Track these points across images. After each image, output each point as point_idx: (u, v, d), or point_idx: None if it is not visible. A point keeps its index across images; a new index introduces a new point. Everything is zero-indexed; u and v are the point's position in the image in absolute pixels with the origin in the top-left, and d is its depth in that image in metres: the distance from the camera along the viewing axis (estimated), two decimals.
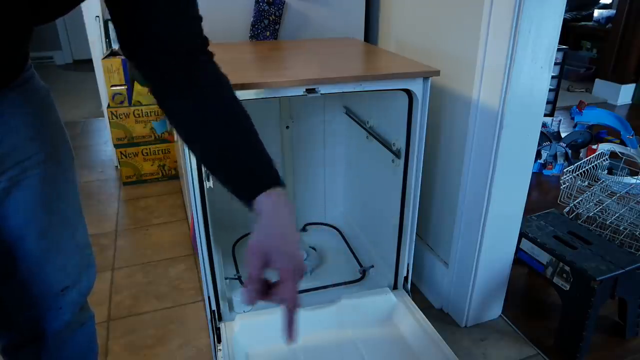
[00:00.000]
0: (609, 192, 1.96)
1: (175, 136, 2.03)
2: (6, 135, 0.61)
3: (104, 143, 2.87)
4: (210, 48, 0.68)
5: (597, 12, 4.42)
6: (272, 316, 1.26)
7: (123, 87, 2.15)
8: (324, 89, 1.05)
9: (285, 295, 0.60)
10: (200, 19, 0.64)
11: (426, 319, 1.24)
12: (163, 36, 0.62)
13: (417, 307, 1.29)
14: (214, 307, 1.21)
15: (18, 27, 0.56)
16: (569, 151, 2.47)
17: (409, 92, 1.13)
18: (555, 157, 2.46)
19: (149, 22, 0.60)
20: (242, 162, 0.65)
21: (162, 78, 0.65)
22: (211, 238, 1.13)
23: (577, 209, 1.87)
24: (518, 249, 1.40)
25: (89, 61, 2.35)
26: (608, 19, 4.23)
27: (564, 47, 2.86)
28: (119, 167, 2.35)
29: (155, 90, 0.67)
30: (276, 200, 0.62)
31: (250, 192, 0.62)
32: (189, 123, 0.66)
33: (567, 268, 1.28)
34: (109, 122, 2.20)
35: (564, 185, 1.96)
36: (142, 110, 2.20)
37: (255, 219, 0.61)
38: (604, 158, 2.07)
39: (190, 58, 0.64)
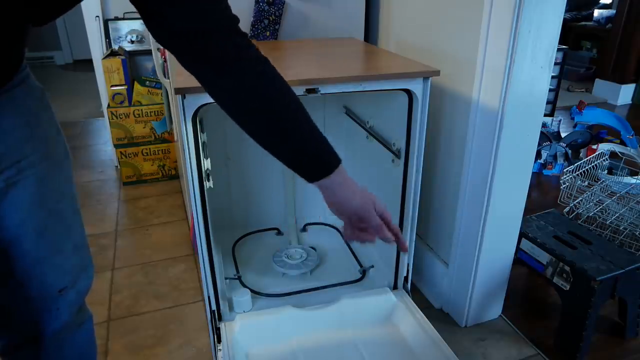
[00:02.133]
0: (609, 192, 1.96)
1: (176, 136, 2.03)
2: (2, 136, 0.61)
3: (104, 143, 2.87)
4: None
5: (597, 12, 4.42)
6: (272, 316, 1.26)
7: (123, 87, 2.15)
8: (324, 89, 1.05)
9: (393, 230, 0.77)
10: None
11: (426, 319, 1.24)
12: (192, 18, 0.61)
13: (417, 307, 1.29)
14: (214, 307, 1.21)
15: (13, 28, 0.56)
16: (569, 151, 2.47)
17: (409, 92, 1.13)
18: (555, 157, 2.46)
19: (171, 8, 0.60)
20: (309, 148, 0.70)
21: (198, 61, 0.64)
22: (211, 238, 1.13)
23: (577, 209, 1.87)
24: (518, 249, 1.40)
25: (89, 61, 2.35)
26: (608, 19, 4.23)
27: (564, 47, 2.86)
28: (119, 167, 2.35)
29: (198, 76, 0.66)
30: (345, 172, 0.74)
31: (321, 174, 0.72)
32: (244, 106, 0.67)
33: (567, 268, 1.28)
34: (109, 122, 2.20)
35: (564, 185, 1.96)
36: (142, 110, 2.20)
37: (323, 192, 0.74)
38: (604, 158, 2.07)
39: (223, 38, 0.63)
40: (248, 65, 0.66)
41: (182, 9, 0.60)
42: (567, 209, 1.88)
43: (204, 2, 0.61)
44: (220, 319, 1.23)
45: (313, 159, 0.71)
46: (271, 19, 1.56)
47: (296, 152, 0.70)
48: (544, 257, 1.35)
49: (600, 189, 1.95)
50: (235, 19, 0.65)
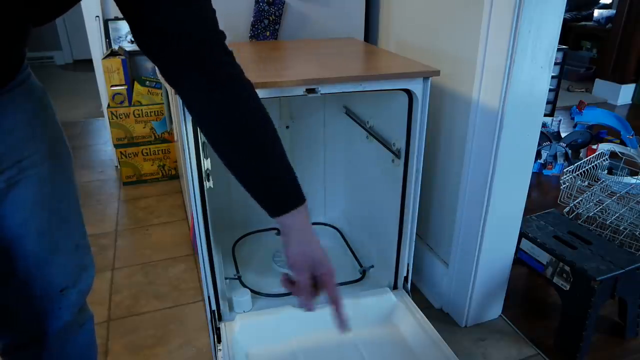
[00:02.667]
0: (609, 192, 1.96)
1: (176, 136, 2.03)
2: (2, 136, 0.61)
3: (104, 143, 2.87)
4: None
5: (597, 12, 4.42)
6: (272, 316, 1.26)
7: (123, 87, 2.15)
8: (324, 89, 1.05)
9: (332, 294, 0.75)
10: (213, 11, 0.64)
11: (426, 319, 1.24)
12: (174, 29, 0.61)
13: (417, 307, 1.29)
14: (214, 307, 1.21)
15: (13, 28, 0.56)
16: (569, 151, 2.47)
17: (409, 92, 1.13)
18: (555, 157, 2.46)
19: (157, 16, 0.60)
20: (271, 181, 0.69)
21: (177, 72, 0.65)
22: (211, 238, 1.13)
23: (577, 209, 1.87)
24: (518, 249, 1.40)
25: (89, 61, 2.35)
26: (608, 19, 4.23)
27: (564, 47, 2.86)
28: (119, 167, 2.36)
29: (175, 87, 0.66)
30: (304, 216, 0.70)
31: (279, 210, 0.69)
32: (210, 124, 0.67)
33: (567, 268, 1.28)
34: (109, 122, 2.20)
35: (564, 185, 1.96)
36: (142, 110, 2.20)
37: (284, 231, 0.71)
38: (604, 158, 2.07)
39: (204, 51, 0.63)
40: (235, 83, 0.66)
41: (174, 16, 0.60)
42: (567, 209, 1.88)
43: (197, 11, 0.62)
44: (220, 319, 1.23)
45: (283, 191, 0.69)
46: (271, 19, 1.56)
47: (267, 181, 0.69)
48: (544, 257, 1.35)
49: (600, 189, 1.95)
50: (223, 35, 0.66)
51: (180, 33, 0.61)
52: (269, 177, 0.69)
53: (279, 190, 0.69)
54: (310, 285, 0.72)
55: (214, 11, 0.64)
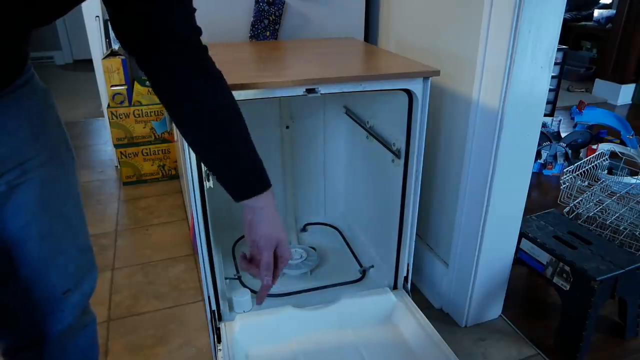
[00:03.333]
0: (609, 192, 1.96)
1: (176, 136, 2.03)
2: (5, 138, 0.61)
3: (104, 143, 2.87)
4: (210, 48, 0.68)
5: (597, 12, 4.42)
6: (272, 316, 1.26)
7: (123, 87, 2.15)
8: (324, 89, 1.05)
9: (277, 274, 0.80)
10: (194, 11, 0.66)
11: (426, 319, 1.24)
12: (158, 29, 0.63)
13: (417, 307, 1.29)
14: (214, 307, 1.21)
15: (14, 29, 0.56)
16: (569, 151, 2.47)
17: (409, 92, 1.13)
18: (555, 157, 2.46)
19: (144, 16, 0.62)
20: (240, 167, 0.73)
21: (160, 72, 0.67)
22: (211, 238, 1.13)
23: (577, 209, 1.87)
24: (518, 249, 1.40)
25: (89, 61, 2.35)
26: (608, 19, 4.23)
27: (564, 47, 2.86)
28: (119, 167, 2.35)
29: (154, 85, 0.68)
30: (270, 199, 0.75)
31: (245, 194, 0.74)
32: (187, 119, 0.69)
33: (567, 268, 1.28)
34: (109, 122, 2.20)
35: (564, 185, 1.96)
36: (142, 110, 2.20)
37: (253, 212, 0.75)
38: (604, 158, 2.07)
39: (187, 51, 0.66)
40: (211, 75, 0.69)
41: (157, 13, 0.62)
42: (567, 209, 1.88)
43: (179, 8, 0.64)
44: (220, 319, 1.23)
45: (249, 176, 0.73)
46: (271, 19, 1.56)
47: (234, 167, 0.72)
48: (544, 257, 1.35)
49: (600, 189, 1.95)
50: (200, 31, 0.68)
51: (162, 29, 0.63)
52: (246, 168, 0.73)
53: (253, 176, 0.74)
54: (272, 263, 0.78)
55: (193, 9, 0.66)
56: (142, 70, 0.68)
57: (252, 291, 1.35)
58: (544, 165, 2.46)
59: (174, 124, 0.76)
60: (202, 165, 1.07)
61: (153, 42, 0.64)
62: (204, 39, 0.68)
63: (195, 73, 0.67)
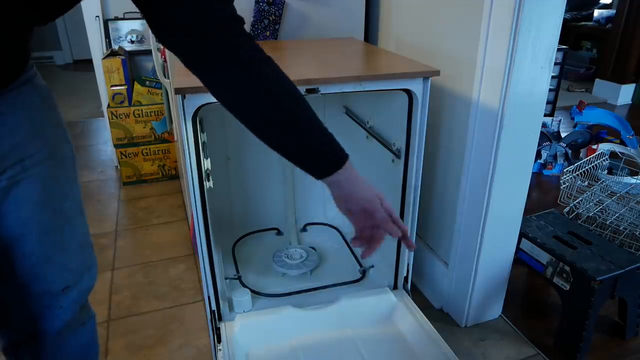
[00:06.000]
0: (609, 192, 1.96)
1: (176, 136, 2.03)
2: (6, 135, 0.61)
3: (104, 143, 2.87)
4: None
5: (597, 12, 4.42)
6: (272, 316, 1.26)
7: (123, 87, 2.15)
8: (324, 89, 1.05)
9: (404, 228, 0.77)
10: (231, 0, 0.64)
11: (426, 319, 1.24)
12: (193, 19, 0.60)
13: (417, 307, 1.29)
14: (214, 307, 1.21)
15: (15, 28, 0.56)
16: (569, 151, 2.47)
17: (409, 92, 1.13)
18: (555, 157, 2.46)
19: (175, 10, 0.60)
20: (317, 145, 0.70)
21: (203, 60, 0.64)
22: (211, 238, 1.13)
23: (577, 209, 1.87)
24: (518, 249, 1.40)
25: (89, 61, 2.35)
26: (608, 19, 4.23)
27: (564, 47, 2.86)
28: (119, 167, 2.36)
29: (201, 76, 0.66)
30: (351, 168, 0.72)
31: (330, 170, 0.71)
32: (247, 112, 0.67)
33: (567, 268, 1.28)
34: (109, 122, 2.20)
35: (564, 185, 1.96)
36: (142, 110, 2.20)
37: (335, 188, 0.73)
38: (604, 158, 2.07)
39: (225, 38, 0.63)
40: (254, 64, 0.65)
41: (188, 8, 0.60)
42: (567, 209, 1.88)
43: (210, 1, 0.61)
44: (220, 319, 1.23)
45: (322, 156, 0.71)
46: (271, 19, 1.56)
47: (305, 150, 0.70)
48: (544, 257, 1.35)
49: (600, 189, 1.95)
50: (241, 20, 0.65)
51: (198, 25, 0.61)
52: (305, 147, 0.70)
53: (318, 156, 0.71)
54: (364, 226, 0.78)
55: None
56: (188, 67, 0.65)
57: (252, 291, 1.35)
58: (544, 165, 2.46)
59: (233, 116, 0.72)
60: (203, 165, 1.07)
61: (193, 41, 0.62)
62: None
63: (244, 64, 0.64)
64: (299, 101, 0.68)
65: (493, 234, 1.28)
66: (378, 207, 0.74)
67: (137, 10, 0.62)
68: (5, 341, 0.75)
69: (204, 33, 0.61)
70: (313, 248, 1.58)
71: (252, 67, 0.65)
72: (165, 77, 1.73)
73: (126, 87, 2.15)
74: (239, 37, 0.64)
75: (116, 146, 2.26)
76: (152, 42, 1.81)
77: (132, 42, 2.24)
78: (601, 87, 3.83)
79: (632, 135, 2.48)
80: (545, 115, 2.58)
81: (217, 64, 0.64)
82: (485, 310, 1.43)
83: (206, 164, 1.09)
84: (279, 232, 1.70)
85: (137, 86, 2.17)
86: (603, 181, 2.02)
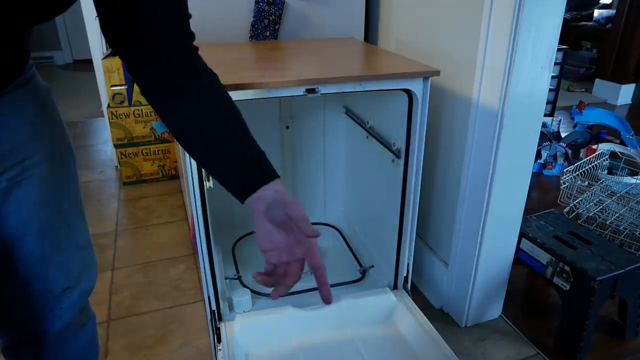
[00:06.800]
0: (609, 192, 1.96)
1: None
2: (6, 136, 0.61)
3: (104, 143, 2.87)
4: (210, 48, 0.67)
5: (597, 12, 4.42)
6: (272, 316, 1.26)
7: (123, 87, 2.15)
8: (324, 89, 1.05)
9: (316, 261, 0.67)
10: (188, 17, 0.64)
11: (426, 319, 1.24)
12: (149, 32, 0.61)
13: (417, 307, 1.29)
14: (214, 307, 1.21)
15: (15, 28, 0.56)
16: (569, 151, 2.47)
17: (409, 92, 1.13)
18: (555, 157, 2.46)
19: (134, 19, 0.60)
20: (243, 164, 0.66)
21: (152, 76, 0.64)
22: (211, 238, 1.13)
23: (577, 209, 1.87)
24: (518, 249, 1.40)
25: (89, 61, 2.35)
26: (608, 19, 4.23)
27: (564, 47, 2.86)
28: (119, 167, 2.35)
29: (145, 90, 0.66)
30: (280, 186, 0.66)
31: (251, 189, 0.65)
32: (183, 123, 0.66)
33: (567, 268, 1.28)
34: (109, 122, 2.20)
35: (564, 185, 1.96)
36: (142, 110, 2.20)
37: (260, 204, 0.65)
38: (604, 158, 2.07)
39: (178, 53, 0.64)
40: (205, 74, 0.66)
41: (149, 16, 0.60)
42: (567, 209, 1.88)
43: (171, 12, 0.62)
44: (220, 319, 1.23)
45: (255, 167, 0.67)
46: (271, 19, 1.56)
47: (248, 164, 0.66)
48: (544, 257, 1.35)
49: (600, 189, 1.95)
50: (193, 35, 0.66)
51: (153, 33, 0.61)
52: (250, 162, 0.66)
53: (256, 169, 0.67)
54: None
55: (188, 15, 0.64)
56: (131, 74, 0.66)
57: (252, 291, 1.35)
58: (544, 165, 2.46)
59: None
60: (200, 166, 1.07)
61: (142, 45, 0.62)
62: (205, 38, 0.68)
63: (185, 75, 0.64)
64: (239, 117, 0.67)
65: (493, 234, 1.28)
66: (306, 220, 0.64)
67: None
68: (6, 341, 0.75)
69: (163, 45, 0.62)
70: None
71: (203, 75, 0.66)
72: None
73: (126, 87, 2.15)
74: (194, 54, 0.65)
75: (116, 146, 2.26)
76: None
77: None
78: (601, 87, 3.83)
79: (632, 135, 2.48)
80: (545, 115, 2.58)
81: (173, 79, 0.64)
82: (485, 310, 1.43)
83: None
84: None
85: (137, 86, 2.17)
86: (603, 181, 2.02)
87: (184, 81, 0.64)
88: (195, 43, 0.66)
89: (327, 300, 0.67)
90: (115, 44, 0.64)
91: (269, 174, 0.66)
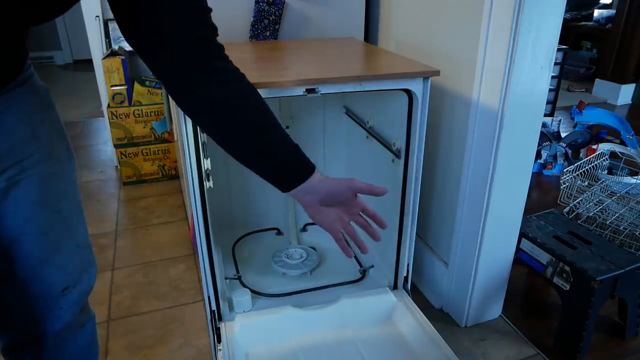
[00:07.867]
0: (609, 192, 1.96)
1: (175, 136, 2.03)
2: (4, 136, 0.61)
3: (104, 143, 2.87)
4: None
5: (597, 12, 4.42)
6: (272, 316, 1.26)
7: (123, 87, 2.15)
8: (324, 89, 1.05)
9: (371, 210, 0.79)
10: (209, 10, 0.65)
11: (426, 319, 1.24)
12: (169, 28, 0.62)
13: (417, 307, 1.29)
14: (214, 307, 1.21)
15: (11, 27, 0.56)
16: (569, 151, 2.47)
17: (409, 92, 1.13)
18: (555, 157, 2.46)
19: (152, 14, 0.61)
20: (283, 159, 0.73)
21: (173, 72, 0.65)
22: (211, 238, 1.13)
23: (577, 209, 1.87)
24: (518, 249, 1.40)
25: (89, 61, 2.35)
26: (608, 19, 4.23)
27: (564, 47, 2.86)
28: (119, 167, 2.35)
29: (168, 86, 0.67)
30: (318, 176, 0.74)
31: (291, 184, 0.73)
32: (212, 117, 0.68)
33: (567, 268, 1.28)
34: (109, 122, 2.20)
35: (564, 185, 1.96)
36: (142, 110, 2.20)
37: (303, 196, 0.74)
38: (604, 158, 2.07)
39: (199, 49, 0.64)
40: (226, 76, 0.68)
41: (170, 17, 0.61)
42: (567, 209, 1.88)
43: (192, 10, 0.63)
44: (220, 319, 1.23)
45: (290, 166, 0.73)
46: (271, 19, 1.56)
47: (273, 161, 0.73)
48: (544, 257, 1.35)
49: (600, 189, 1.95)
50: (216, 30, 0.67)
51: (175, 33, 0.62)
52: (283, 159, 0.73)
53: (294, 163, 0.73)
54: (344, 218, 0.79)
55: (209, 9, 0.65)
56: (154, 74, 0.67)
57: (252, 291, 1.35)
58: (544, 165, 2.46)
59: (199, 129, 0.73)
60: (203, 165, 1.07)
61: (158, 41, 0.63)
62: None
63: (209, 73, 0.66)
64: (268, 112, 0.71)
65: (493, 234, 1.28)
66: (354, 198, 0.76)
67: None
68: (6, 342, 0.75)
69: (185, 45, 0.63)
70: (313, 248, 1.58)
71: (230, 77, 0.68)
72: None
73: (126, 87, 2.15)
74: (216, 47, 0.67)
75: (116, 146, 2.26)
76: None
77: None
78: (601, 87, 3.83)
79: (632, 135, 2.48)
80: (545, 115, 2.58)
81: (198, 74, 0.65)
82: (485, 310, 1.43)
83: (206, 164, 1.09)
84: (279, 232, 1.70)
85: (137, 86, 2.17)
86: (603, 181, 2.02)
87: (217, 88, 0.66)
88: None
89: (375, 238, 0.81)
90: (141, 49, 0.64)
91: (309, 165, 0.74)
